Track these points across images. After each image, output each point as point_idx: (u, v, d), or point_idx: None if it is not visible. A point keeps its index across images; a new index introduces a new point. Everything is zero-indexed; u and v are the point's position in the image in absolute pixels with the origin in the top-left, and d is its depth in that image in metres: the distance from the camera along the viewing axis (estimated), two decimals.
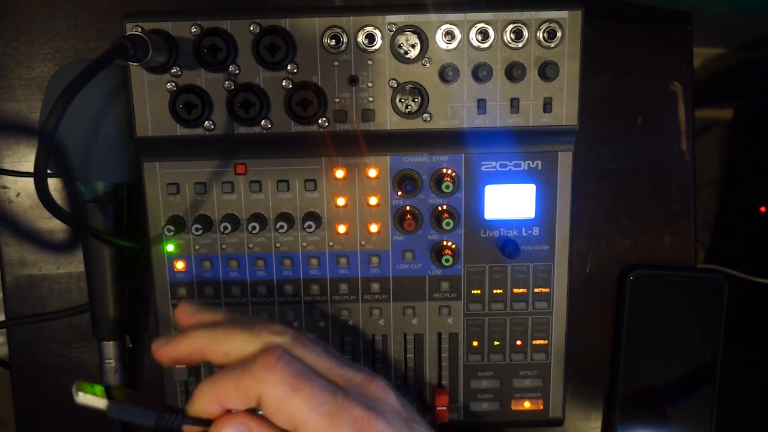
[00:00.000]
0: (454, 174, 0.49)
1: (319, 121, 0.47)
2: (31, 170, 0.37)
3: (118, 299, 0.52)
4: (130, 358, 0.54)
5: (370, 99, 0.47)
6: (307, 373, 0.35)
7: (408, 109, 0.48)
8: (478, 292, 0.51)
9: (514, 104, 0.47)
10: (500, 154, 0.49)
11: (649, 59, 0.54)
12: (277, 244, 0.50)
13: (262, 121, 0.47)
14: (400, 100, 0.48)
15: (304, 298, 0.51)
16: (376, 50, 0.46)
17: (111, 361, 0.53)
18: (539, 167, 0.49)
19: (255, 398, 0.34)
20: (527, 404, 0.53)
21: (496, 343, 0.52)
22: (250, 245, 0.50)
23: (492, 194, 0.50)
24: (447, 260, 0.50)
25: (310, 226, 0.49)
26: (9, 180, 0.55)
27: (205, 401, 0.35)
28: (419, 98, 0.47)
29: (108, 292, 0.51)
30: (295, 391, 0.33)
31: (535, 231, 0.50)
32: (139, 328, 0.56)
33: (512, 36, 0.46)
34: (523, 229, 0.50)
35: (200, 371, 0.52)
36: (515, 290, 0.51)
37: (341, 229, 0.50)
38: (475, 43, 0.46)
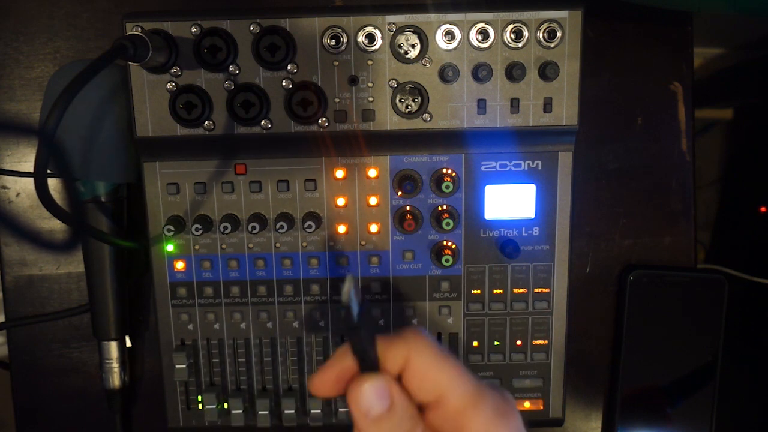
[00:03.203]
0: (454, 174, 0.49)
1: (319, 121, 0.47)
2: (31, 170, 0.37)
3: (118, 299, 0.52)
4: (130, 358, 0.54)
5: (370, 99, 0.47)
6: (450, 353, 0.34)
7: (408, 109, 0.48)
8: (478, 292, 0.51)
9: (514, 104, 0.47)
10: (500, 154, 0.49)
11: (649, 59, 0.54)
12: (277, 244, 0.50)
13: (262, 121, 0.47)
14: (400, 100, 0.48)
15: (304, 298, 0.51)
16: (376, 50, 0.46)
17: (111, 361, 0.53)
18: (539, 167, 0.49)
19: (403, 360, 0.33)
20: (527, 404, 0.53)
21: (496, 343, 0.52)
22: (250, 245, 0.50)
23: (492, 194, 0.50)
24: (447, 260, 0.50)
25: (310, 226, 0.49)
26: (9, 180, 0.55)
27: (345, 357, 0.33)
28: (419, 98, 0.47)
29: (108, 292, 0.51)
30: (444, 359, 0.33)
31: (535, 231, 0.50)
32: (139, 328, 0.56)
33: (512, 36, 0.46)
34: (523, 229, 0.50)
35: (200, 371, 0.52)
36: (515, 290, 0.51)
37: (341, 229, 0.50)
38: (475, 43, 0.46)
